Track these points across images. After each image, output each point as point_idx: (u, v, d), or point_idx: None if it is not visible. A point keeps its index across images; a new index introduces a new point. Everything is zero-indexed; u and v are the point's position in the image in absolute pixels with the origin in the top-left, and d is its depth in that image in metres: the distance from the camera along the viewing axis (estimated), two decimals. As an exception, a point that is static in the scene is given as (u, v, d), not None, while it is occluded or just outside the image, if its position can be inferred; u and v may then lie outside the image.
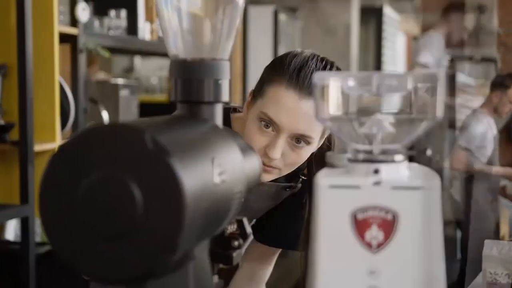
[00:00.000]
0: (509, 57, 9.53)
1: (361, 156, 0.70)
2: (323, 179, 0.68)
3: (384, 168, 0.68)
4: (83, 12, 2.57)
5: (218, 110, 0.80)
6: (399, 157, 0.70)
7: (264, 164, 1.24)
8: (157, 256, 0.59)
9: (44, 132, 2.42)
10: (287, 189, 1.39)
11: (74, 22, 2.58)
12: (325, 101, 0.70)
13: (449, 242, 4.16)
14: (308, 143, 1.24)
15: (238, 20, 0.83)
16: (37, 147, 2.36)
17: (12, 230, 2.61)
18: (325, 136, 1.31)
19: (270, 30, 4.74)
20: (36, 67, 2.36)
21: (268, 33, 4.73)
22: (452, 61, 4.42)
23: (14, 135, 2.33)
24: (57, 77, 2.43)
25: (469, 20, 4.49)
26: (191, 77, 0.79)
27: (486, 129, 4.29)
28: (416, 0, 9.54)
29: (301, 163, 1.28)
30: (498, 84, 4.31)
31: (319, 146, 1.32)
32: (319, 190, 0.68)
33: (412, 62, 4.46)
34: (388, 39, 7.51)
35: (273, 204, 1.42)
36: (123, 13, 2.95)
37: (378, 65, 7.32)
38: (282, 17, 4.87)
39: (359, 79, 0.69)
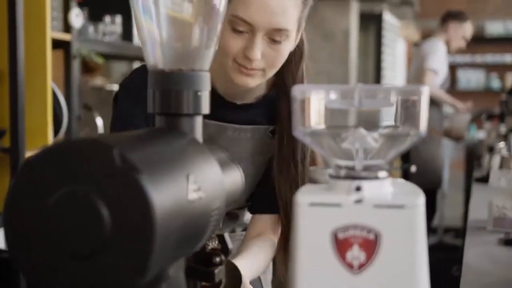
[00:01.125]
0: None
1: (343, 172, 0.67)
2: (303, 196, 0.65)
3: (366, 185, 0.65)
4: (77, 18, 2.54)
5: (198, 122, 0.78)
6: (382, 173, 0.67)
7: (245, 67, 1.21)
8: (127, 278, 0.57)
9: (36, 139, 2.40)
10: (271, 134, 1.34)
11: (67, 28, 2.56)
12: (305, 114, 0.68)
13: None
14: (286, 37, 1.20)
15: (219, 28, 0.80)
16: (29, 154, 2.33)
17: (2, 238, 2.58)
18: (301, 30, 1.27)
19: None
20: (28, 73, 2.34)
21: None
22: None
23: (5, 141, 2.30)
24: (50, 83, 2.41)
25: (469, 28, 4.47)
26: (170, 88, 0.76)
27: (444, 54, 4.35)
28: (416, 6, 9.54)
29: (283, 61, 1.24)
30: (454, 17, 4.37)
31: (296, 42, 1.28)
32: (299, 208, 0.65)
33: (413, 68, 4.42)
34: (388, 45, 7.49)
35: (261, 159, 1.35)
36: (118, 18, 2.93)
37: (377, 71, 7.30)
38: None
39: (341, 92, 0.67)
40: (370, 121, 0.68)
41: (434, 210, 4.50)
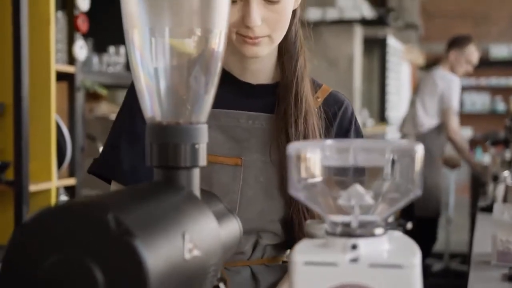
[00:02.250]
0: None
1: (338, 229, 0.67)
2: (298, 255, 0.65)
3: (362, 243, 0.65)
4: (81, 50, 2.56)
5: (195, 175, 0.78)
6: (378, 230, 0.67)
7: (249, 37, 1.12)
8: None
9: (40, 172, 2.40)
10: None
11: (72, 60, 2.58)
12: (300, 171, 0.68)
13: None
14: None
15: (216, 80, 0.80)
16: (33, 187, 2.33)
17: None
18: None
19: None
20: (32, 106, 2.35)
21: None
22: None
23: (9, 174, 2.31)
24: (54, 116, 2.42)
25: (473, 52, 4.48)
26: (167, 141, 0.76)
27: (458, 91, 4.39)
28: (420, 29, 9.58)
29: (287, 22, 1.15)
30: (454, 44, 4.36)
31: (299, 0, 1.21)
32: (294, 266, 0.65)
33: (425, 97, 4.37)
34: (392, 69, 7.51)
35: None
36: (123, 49, 2.95)
37: (382, 96, 7.31)
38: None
39: (336, 149, 0.67)
40: (366, 177, 0.68)
41: (435, 237, 4.47)
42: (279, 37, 1.15)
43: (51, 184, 2.43)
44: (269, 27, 1.13)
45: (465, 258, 5.07)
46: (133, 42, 0.77)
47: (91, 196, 0.63)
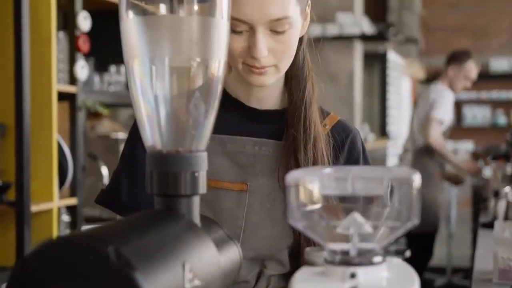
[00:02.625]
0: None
1: (337, 257, 0.68)
2: (298, 283, 0.66)
3: (361, 271, 0.65)
4: (82, 70, 2.58)
5: (195, 202, 0.78)
6: (377, 258, 0.67)
7: (255, 67, 1.12)
8: None
9: (41, 192, 2.41)
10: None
11: (73, 80, 2.59)
12: (299, 200, 0.68)
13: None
14: (289, 25, 1.10)
15: (215, 107, 0.81)
16: (34, 208, 2.34)
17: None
18: (308, 10, 1.18)
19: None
20: (34, 126, 2.36)
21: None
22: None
23: (10, 195, 2.31)
24: (55, 136, 2.43)
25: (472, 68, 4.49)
26: (167, 170, 0.77)
27: (451, 103, 4.37)
28: (421, 43, 9.61)
29: (293, 51, 1.14)
30: (453, 59, 4.36)
31: (306, 27, 1.20)
32: (294, 295, 0.65)
33: (421, 112, 4.40)
34: (392, 83, 7.53)
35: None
36: (123, 68, 2.97)
37: (383, 110, 7.32)
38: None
39: (334, 179, 0.67)
40: (365, 205, 0.69)
41: (432, 253, 4.46)
42: (285, 66, 1.15)
43: (52, 204, 2.43)
44: (275, 57, 1.13)
45: (468, 272, 5.06)
46: (133, 71, 0.78)
47: (92, 227, 0.63)
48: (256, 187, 1.17)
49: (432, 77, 9.75)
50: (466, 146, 9.94)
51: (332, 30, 5.07)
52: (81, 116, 2.60)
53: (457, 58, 4.36)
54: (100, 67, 2.92)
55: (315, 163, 1.16)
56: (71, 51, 2.57)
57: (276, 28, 1.10)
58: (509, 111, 9.82)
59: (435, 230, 4.34)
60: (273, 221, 1.17)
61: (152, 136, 0.79)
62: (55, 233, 2.46)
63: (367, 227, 0.68)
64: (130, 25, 0.76)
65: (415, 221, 0.67)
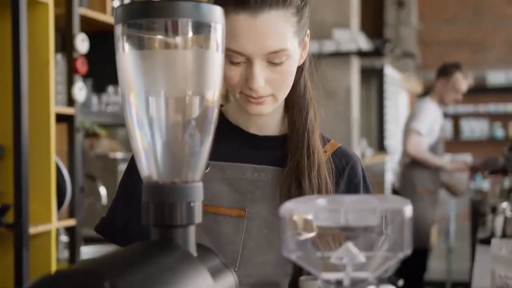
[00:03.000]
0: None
1: (331, 287, 0.68)
2: (293, 315, 0.66)
3: (355, 301, 0.66)
4: (80, 92, 2.59)
5: (191, 232, 0.79)
6: (371, 287, 0.68)
7: (253, 97, 1.13)
8: None
9: (40, 214, 2.41)
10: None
11: (71, 101, 2.61)
12: (293, 231, 0.69)
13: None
14: (286, 56, 1.11)
15: (211, 138, 0.82)
16: (33, 229, 2.34)
17: None
18: (306, 40, 1.19)
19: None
20: (32, 148, 2.38)
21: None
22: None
23: (9, 217, 2.32)
24: (54, 158, 2.44)
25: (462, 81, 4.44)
26: (163, 200, 0.78)
27: (435, 116, 4.29)
28: (417, 58, 9.65)
29: (291, 81, 1.15)
30: (441, 72, 4.35)
31: (304, 56, 1.20)
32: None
33: (406, 127, 4.44)
34: (390, 98, 7.56)
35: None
36: (121, 88, 2.99)
37: (380, 125, 7.34)
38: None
39: (328, 211, 0.69)
40: (358, 236, 0.70)
41: (426, 267, 4.44)
42: (283, 95, 1.16)
43: (51, 226, 2.44)
44: (273, 87, 1.13)
45: (467, 287, 5.06)
46: (129, 103, 0.79)
47: (89, 260, 0.64)
48: (254, 213, 1.18)
49: (429, 91, 9.78)
50: (464, 159, 9.95)
51: (329, 46, 5.09)
52: (79, 137, 2.61)
53: (444, 71, 4.36)
54: (98, 87, 2.94)
55: (319, 190, 1.17)
56: (69, 73, 2.59)
57: (273, 59, 1.11)
58: (506, 124, 9.84)
59: (425, 246, 4.32)
60: (271, 247, 1.17)
61: (148, 167, 0.80)
62: (53, 255, 2.46)
63: (361, 257, 0.69)
64: (126, 58, 0.78)
65: (407, 251, 0.68)
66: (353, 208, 0.68)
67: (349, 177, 1.25)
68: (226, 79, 1.13)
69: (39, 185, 2.41)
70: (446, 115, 9.91)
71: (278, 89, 1.13)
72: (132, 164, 1.23)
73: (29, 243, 2.32)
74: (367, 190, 1.25)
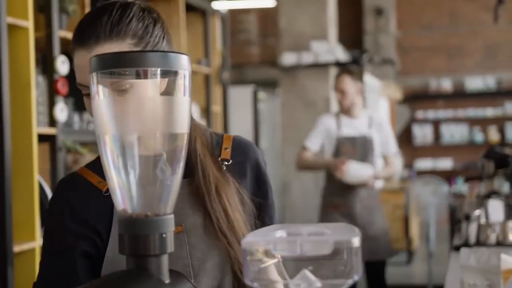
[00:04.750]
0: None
1: (290, 312, 0.76)
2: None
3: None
4: (61, 112, 2.65)
5: (164, 261, 0.87)
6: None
7: None
8: None
9: (23, 232, 2.46)
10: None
11: (52, 121, 2.66)
12: (253, 262, 0.77)
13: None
14: (130, 85, 1.07)
15: (180, 175, 0.89)
16: (17, 248, 2.40)
17: None
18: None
19: (250, 108, 4.85)
20: (15, 168, 2.43)
21: (248, 111, 4.83)
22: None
23: (-7, 236, 2.37)
24: (36, 177, 2.50)
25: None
26: (137, 232, 0.85)
27: (326, 128, 4.07)
28: (397, 64, 9.78)
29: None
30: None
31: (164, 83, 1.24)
32: None
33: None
34: (370, 105, 7.65)
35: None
36: (102, 106, 3.05)
37: (361, 132, 7.43)
38: (262, 95, 4.98)
39: (285, 243, 0.76)
40: (313, 264, 0.77)
41: (385, 279, 4.34)
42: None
43: (35, 244, 2.49)
44: None
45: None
46: (104, 144, 0.86)
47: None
48: (191, 226, 1.22)
49: (409, 97, 9.97)
50: (445, 164, 10.11)
51: (307, 58, 5.18)
52: (61, 156, 2.67)
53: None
54: (79, 106, 3.00)
55: (225, 210, 1.22)
56: (50, 94, 2.65)
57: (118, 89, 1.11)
58: (485, 128, 10.00)
59: (383, 258, 4.28)
60: (213, 250, 1.23)
61: (123, 201, 0.87)
62: (37, 272, 2.51)
63: (317, 283, 0.76)
64: (101, 104, 0.85)
65: (355, 277, 0.75)
66: (308, 240, 0.76)
67: (254, 168, 1.30)
68: (89, 112, 1.16)
69: (22, 204, 2.47)
70: (426, 121, 10.08)
71: None
72: (60, 212, 1.23)
73: (14, 261, 2.37)
74: (265, 183, 1.31)
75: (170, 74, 0.85)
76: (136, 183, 0.87)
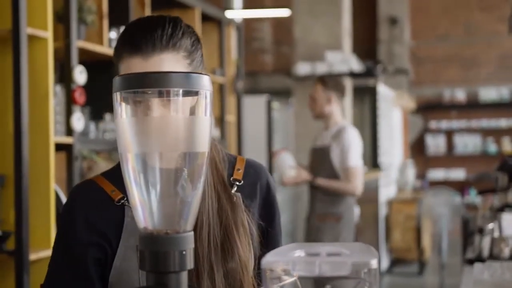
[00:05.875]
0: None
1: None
2: None
3: None
4: (78, 121, 2.68)
5: (184, 277, 0.88)
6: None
7: None
8: None
9: (40, 241, 2.49)
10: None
11: (69, 131, 2.69)
12: (273, 280, 0.78)
13: None
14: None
15: (200, 192, 0.91)
16: (33, 256, 2.42)
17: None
18: None
19: (264, 117, 4.86)
20: (32, 177, 2.46)
21: (262, 120, 4.85)
22: None
23: (10, 244, 2.40)
24: (53, 186, 2.52)
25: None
26: (158, 249, 0.87)
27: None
28: (410, 74, 9.77)
29: None
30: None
31: None
32: None
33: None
34: (383, 115, 7.65)
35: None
36: (118, 116, 3.08)
37: (374, 142, 7.43)
38: (275, 104, 4.99)
39: (304, 263, 0.77)
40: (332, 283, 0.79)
41: None
42: None
43: (50, 252, 2.51)
44: None
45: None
46: (127, 162, 0.88)
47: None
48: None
49: (423, 107, 9.96)
50: (458, 174, 10.07)
51: (321, 68, 5.20)
52: (77, 165, 2.70)
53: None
54: (96, 115, 3.03)
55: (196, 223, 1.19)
56: (68, 103, 2.68)
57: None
58: (499, 139, 9.95)
59: None
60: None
61: (144, 219, 0.89)
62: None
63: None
64: (124, 123, 0.87)
65: (373, 298, 0.77)
66: (327, 261, 0.77)
67: (261, 185, 1.32)
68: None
69: (39, 212, 2.49)
70: (439, 131, 10.06)
71: None
72: (73, 218, 1.24)
73: (30, 269, 2.40)
74: (273, 205, 1.33)
75: (191, 94, 0.87)
76: (157, 200, 0.88)
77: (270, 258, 0.78)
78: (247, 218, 1.26)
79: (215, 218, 1.23)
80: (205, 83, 0.88)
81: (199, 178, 0.90)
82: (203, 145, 0.88)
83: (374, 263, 0.76)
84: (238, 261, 1.20)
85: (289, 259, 0.78)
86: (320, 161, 3.90)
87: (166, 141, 0.87)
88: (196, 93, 0.87)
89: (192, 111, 0.87)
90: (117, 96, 0.87)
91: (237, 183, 1.28)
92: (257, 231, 1.28)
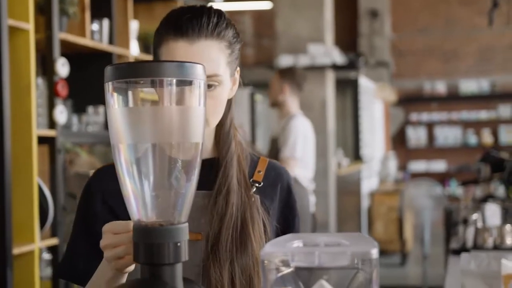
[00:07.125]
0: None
1: (306, 322, 0.76)
2: None
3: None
4: (61, 114, 2.64)
5: (178, 269, 0.87)
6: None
7: None
8: None
9: (23, 234, 2.46)
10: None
11: (52, 124, 2.66)
12: (271, 271, 0.77)
13: None
14: (219, 82, 1.18)
15: (194, 185, 0.89)
16: (16, 250, 2.39)
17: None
18: (237, 76, 1.26)
19: (246, 110, 4.84)
20: (15, 170, 2.42)
21: (245, 113, 4.83)
22: None
23: (-8, 238, 2.36)
24: (36, 179, 2.49)
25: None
26: (152, 241, 0.85)
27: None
28: (391, 67, 9.81)
29: (223, 107, 1.22)
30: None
31: (234, 90, 1.27)
32: None
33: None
34: (365, 107, 7.67)
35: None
36: (101, 109, 3.04)
37: (356, 134, 7.46)
38: (258, 97, 4.98)
39: (303, 254, 0.76)
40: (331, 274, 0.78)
41: None
42: (215, 121, 1.22)
43: (34, 246, 2.48)
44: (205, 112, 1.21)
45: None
46: (119, 153, 0.86)
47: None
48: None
49: (404, 99, 10.00)
50: (439, 166, 10.14)
51: (304, 60, 5.19)
52: (60, 158, 2.66)
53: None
54: (78, 108, 2.99)
55: (223, 215, 1.21)
56: (50, 96, 2.64)
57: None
58: (479, 130, 10.03)
59: None
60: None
61: (138, 211, 0.88)
62: (37, 274, 2.51)
63: (333, 294, 0.76)
64: (116, 114, 0.85)
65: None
66: (326, 252, 0.76)
67: (285, 194, 1.32)
68: None
69: (22, 206, 2.46)
70: (420, 123, 10.11)
71: (210, 114, 1.18)
72: (88, 197, 1.26)
73: (13, 263, 2.37)
74: (293, 208, 1.33)
75: (185, 83, 0.86)
76: (151, 192, 0.87)
77: (269, 249, 0.77)
78: (263, 218, 1.25)
79: (239, 211, 1.22)
80: (199, 72, 0.86)
81: (193, 170, 0.89)
82: (197, 136, 0.87)
83: (374, 252, 0.75)
84: (251, 255, 1.19)
85: (288, 250, 0.76)
86: (272, 150, 3.93)
87: (159, 132, 0.85)
88: (190, 83, 0.86)
89: (186, 101, 0.86)
90: (108, 86, 0.85)
91: (257, 184, 1.28)
92: (272, 233, 1.27)
